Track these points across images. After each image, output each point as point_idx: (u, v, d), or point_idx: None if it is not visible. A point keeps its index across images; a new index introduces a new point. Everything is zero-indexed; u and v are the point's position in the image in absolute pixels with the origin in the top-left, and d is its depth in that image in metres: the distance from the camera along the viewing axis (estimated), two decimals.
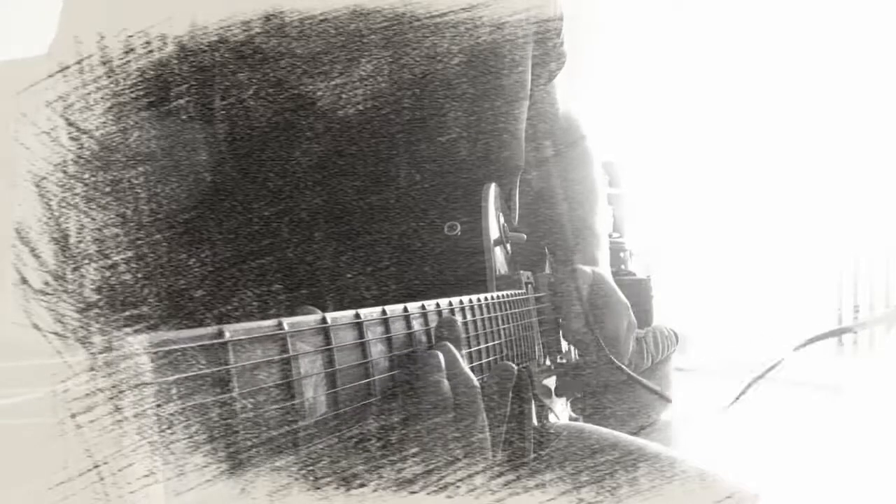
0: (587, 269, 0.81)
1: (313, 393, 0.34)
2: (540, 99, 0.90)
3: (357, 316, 0.39)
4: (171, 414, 0.25)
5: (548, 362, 0.80)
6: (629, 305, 0.83)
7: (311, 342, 0.35)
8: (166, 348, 0.26)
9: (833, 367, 3.36)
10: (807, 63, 3.45)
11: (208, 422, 0.27)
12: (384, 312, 0.42)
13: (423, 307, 0.47)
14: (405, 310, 0.44)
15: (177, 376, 0.26)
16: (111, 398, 0.24)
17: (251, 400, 0.29)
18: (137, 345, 0.25)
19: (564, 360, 0.84)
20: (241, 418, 0.29)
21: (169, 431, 0.25)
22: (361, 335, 0.39)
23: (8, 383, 0.24)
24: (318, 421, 0.34)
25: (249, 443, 0.29)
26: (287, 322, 0.33)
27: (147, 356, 0.25)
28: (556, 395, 0.82)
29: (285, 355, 0.32)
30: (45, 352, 0.25)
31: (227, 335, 0.29)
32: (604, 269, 0.86)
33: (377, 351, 0.41)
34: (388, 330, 0.42)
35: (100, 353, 0.25)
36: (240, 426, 0.29)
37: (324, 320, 0.36)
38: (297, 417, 0.32)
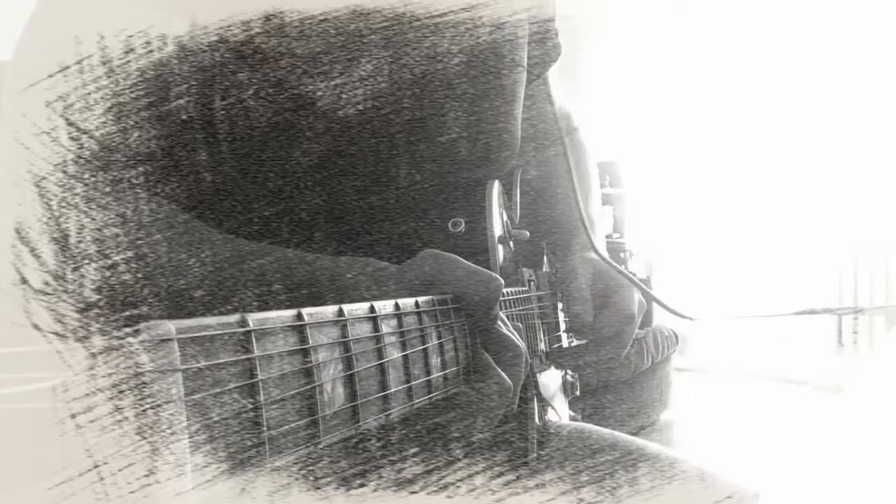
0: (586, 260, 0.81)
1: (332, 389, 0.34)
2: (540, 99, 0.90)
3: (372, 309, 0.40)
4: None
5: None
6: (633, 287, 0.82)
7: (331, 335, 0.35)
8: (194, 335, 0.26)
9: (833, 367, 3.36)
10: (807, 61, 3.45)
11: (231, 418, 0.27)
12: (397, 307, 0.43)
13: (433, 302, 0.47)
14: (416, 305, 0.45)
15: (206, 363, 0.26)
16: (111, 398, 0.24)
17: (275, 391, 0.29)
18: (164, 330, 0.25)
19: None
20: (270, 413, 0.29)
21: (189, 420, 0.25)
22: (377, 328, 0.40)
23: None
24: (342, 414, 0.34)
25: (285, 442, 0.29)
26: (306, 313, 0.33)
27: (175, 342, 0.25)
28: (556, 368, 0.82)
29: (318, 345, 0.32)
30: (45, 351, 0.25)
31: (251, 324, 0.29)
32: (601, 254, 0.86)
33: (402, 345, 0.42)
34: (400, 324, 0.43)
35: (100, 352, 0.25)
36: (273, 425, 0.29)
37: (340, 312, 0.36)
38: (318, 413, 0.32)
